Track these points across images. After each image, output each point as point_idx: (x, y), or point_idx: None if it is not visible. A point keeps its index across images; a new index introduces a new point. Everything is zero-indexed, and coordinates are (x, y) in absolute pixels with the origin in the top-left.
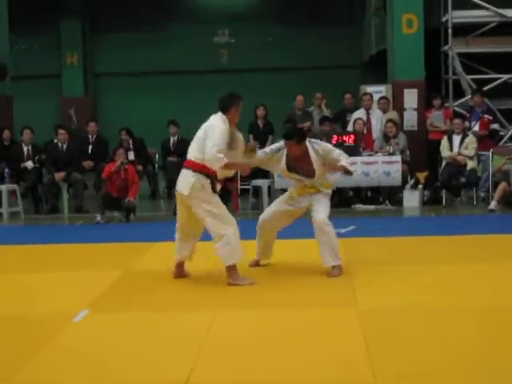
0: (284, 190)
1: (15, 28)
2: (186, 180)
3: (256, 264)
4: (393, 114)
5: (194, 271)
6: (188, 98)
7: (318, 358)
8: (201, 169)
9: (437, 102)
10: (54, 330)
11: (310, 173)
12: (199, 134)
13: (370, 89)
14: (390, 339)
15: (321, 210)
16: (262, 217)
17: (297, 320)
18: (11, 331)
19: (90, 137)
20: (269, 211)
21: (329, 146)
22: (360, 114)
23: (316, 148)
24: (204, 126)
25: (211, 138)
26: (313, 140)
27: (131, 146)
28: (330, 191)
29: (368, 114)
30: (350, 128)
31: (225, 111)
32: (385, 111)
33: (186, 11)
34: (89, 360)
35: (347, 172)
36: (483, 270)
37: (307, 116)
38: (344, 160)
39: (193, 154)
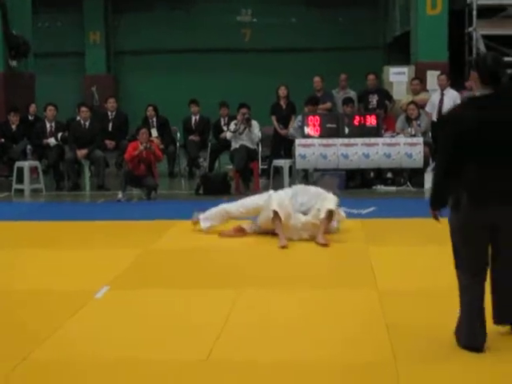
0: (305, 171)
1: (38, 5)
2: None
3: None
4: (426, 95)
5: (217, 249)
6: (209, 77)
7: (339, 338)
8: None
9: (469, 84)
10: (75, 307)
11: None
12: None
13: (393, 70)
14: (409, 321)
15: None
16: None
17: (318, 299)
18: (33, 307)
19: (109, 114)
20: None
21: None
22: (435, 94)
23: None
24: None
25: None
26: None
27: (155, 124)
28: None
29: (442, 94)
30: None
31: None
32: (416, 93)
33: None
34: (108, 337)
35: None
36: None
37: (327, 97)
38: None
39: None
